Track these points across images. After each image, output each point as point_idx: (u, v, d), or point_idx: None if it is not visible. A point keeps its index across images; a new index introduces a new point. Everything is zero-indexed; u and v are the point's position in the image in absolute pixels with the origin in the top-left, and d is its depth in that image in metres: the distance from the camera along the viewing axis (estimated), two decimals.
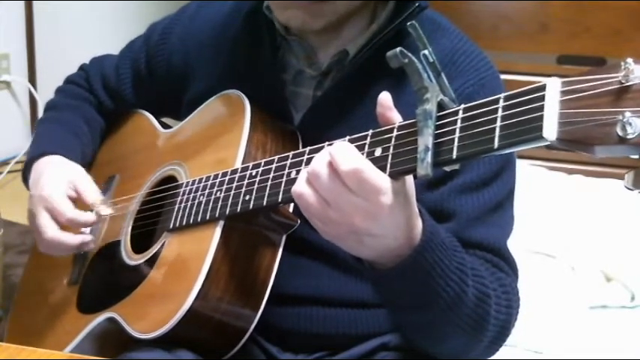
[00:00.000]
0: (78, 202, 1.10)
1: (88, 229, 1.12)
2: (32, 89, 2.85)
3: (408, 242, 0.79)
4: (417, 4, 0.97)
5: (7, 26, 2.75)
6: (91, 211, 1.10)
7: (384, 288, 0.85)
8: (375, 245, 0.78)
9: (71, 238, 1.08)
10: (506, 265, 0.97)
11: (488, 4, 2.79)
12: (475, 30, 2.68)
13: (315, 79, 1.03)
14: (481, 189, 0.96)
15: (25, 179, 1.19)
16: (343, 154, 0.73)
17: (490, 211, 0.97)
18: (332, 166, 0.73)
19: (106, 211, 1.10)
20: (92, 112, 1.28)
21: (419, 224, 0.80)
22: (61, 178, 1.11)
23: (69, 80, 1.33)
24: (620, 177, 0.64)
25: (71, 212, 1.08)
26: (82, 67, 1.34)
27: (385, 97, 0.77)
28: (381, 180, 0.73)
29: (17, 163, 2.70)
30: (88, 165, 1.26)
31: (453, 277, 0.83)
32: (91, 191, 1.11)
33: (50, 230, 1.07)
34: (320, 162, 0.74)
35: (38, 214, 1.08)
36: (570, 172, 2.28)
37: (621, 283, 1.78)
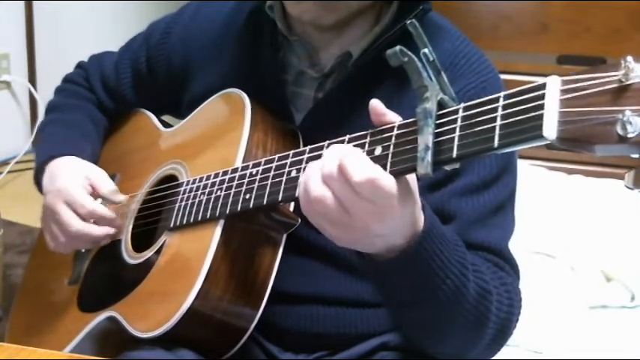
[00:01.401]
0: (93, 196, 1.11)
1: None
2: (32, 89, 2.85)
3: (412, 236, 0.79)
4: (420, 7, 0.97)
5: (7, 26, 2.75)
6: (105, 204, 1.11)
7: (384, 281, 0.85)
8: (383, 244, 0.78)
9: (96, 230, 1.08)
10: (508, 266, 0.97)
11: (489, 4, 2.79)
12: (475, 30, 2.68)
13: (316, 81, 1.03)
14: (482, 191, 0.96)
15: (38, 182, 1.18)
16: (355, 165, 0.71)
17: (491, 213, 0.97)
18: (343, 174, 0.71)
19: (120, 197, 1.11)
20: (95, 110, 1.28)
21: (421, 218, 0.80)
22: (78, 173, 1.12)
23: (68, 79, 1.33)
24: (621, 177, 0.64)
25: (92, 204, 1.08)
26: (81, 65, 1.33)
27: (376, 104, 0.76)
28: (392, 184, 0.72)
29: (17, 163, 2.70)
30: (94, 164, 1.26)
31: (453, 270, 0.82)
32: (105, 183, 1.13)
33: (75, 223, 1.07)
34: (331, 166, 0.72)
35: (60, 210, 1.08)
36: (570, 172, 2.28)
37: (621, 283, 1.78)
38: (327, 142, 0.81)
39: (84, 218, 1.08)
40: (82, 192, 1.09)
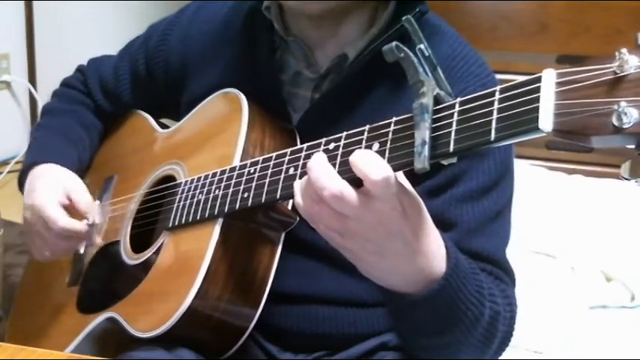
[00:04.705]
0: (72, 210, 1.11)
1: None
2: (32, 89, 2.86)
3: (430, 267, 0.78)
4: (417, 9, 0.96)
5: (7, 26, 2.76)
6: (85, 219, 1.11)
7: (408, 315, 0.85)
8: (394, 264, 0.77)
9: (67, 244, 1.10)
10: (506, 276, 0.98)
11: (488, 4, 2.80)
12: (475, 30, 2.69)
13: (313, 81, 1.03)
14: (481, 198, 0.96)
15: (21, 185, 1.19)
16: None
17: (490, 221, 0.97)
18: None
19: (99, 219, 1.09)
20: (89, 116, 1.29)
21: (436, 249, 0.79)
22: (55, 186, 1.11)
23: (65, 83, 1.33)
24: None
25: (63, 221, 1.08)
26: (79, 69, 1.34)
27: None
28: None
29: (17, 163, 2.70)
30: (86, 168, 1.26)
31: (473, 301, 0.83)
32: (84, 200, 1.12)
33: (49, 239, 1.08)
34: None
35: (36, 224, 1.09)
36: (570, 172, 2.28)
37: (621, 283, 1.78)
38: (324, 139, 0.81)
39: (57, 234, 1.08)
40: (55, 208, 1.08)
